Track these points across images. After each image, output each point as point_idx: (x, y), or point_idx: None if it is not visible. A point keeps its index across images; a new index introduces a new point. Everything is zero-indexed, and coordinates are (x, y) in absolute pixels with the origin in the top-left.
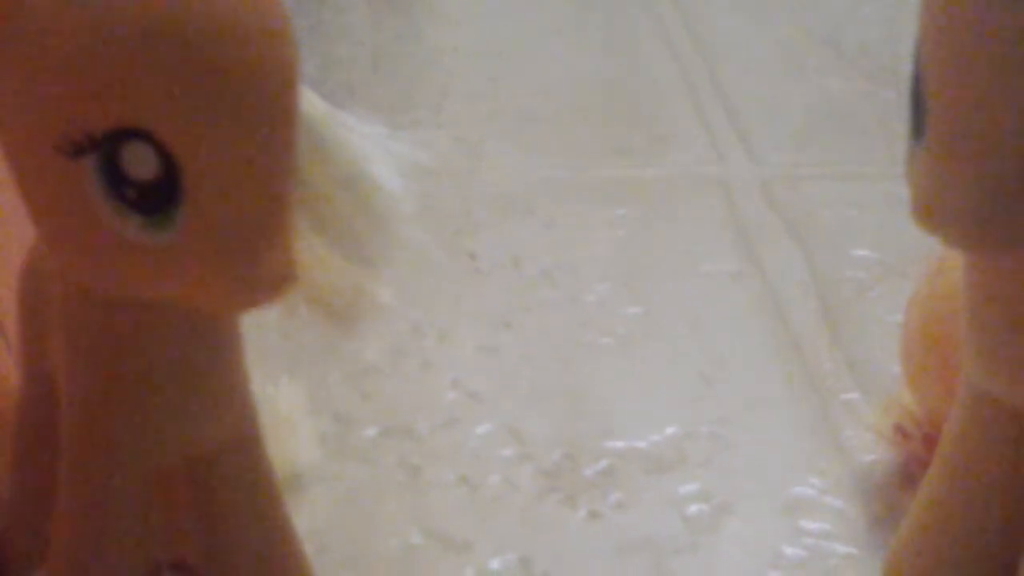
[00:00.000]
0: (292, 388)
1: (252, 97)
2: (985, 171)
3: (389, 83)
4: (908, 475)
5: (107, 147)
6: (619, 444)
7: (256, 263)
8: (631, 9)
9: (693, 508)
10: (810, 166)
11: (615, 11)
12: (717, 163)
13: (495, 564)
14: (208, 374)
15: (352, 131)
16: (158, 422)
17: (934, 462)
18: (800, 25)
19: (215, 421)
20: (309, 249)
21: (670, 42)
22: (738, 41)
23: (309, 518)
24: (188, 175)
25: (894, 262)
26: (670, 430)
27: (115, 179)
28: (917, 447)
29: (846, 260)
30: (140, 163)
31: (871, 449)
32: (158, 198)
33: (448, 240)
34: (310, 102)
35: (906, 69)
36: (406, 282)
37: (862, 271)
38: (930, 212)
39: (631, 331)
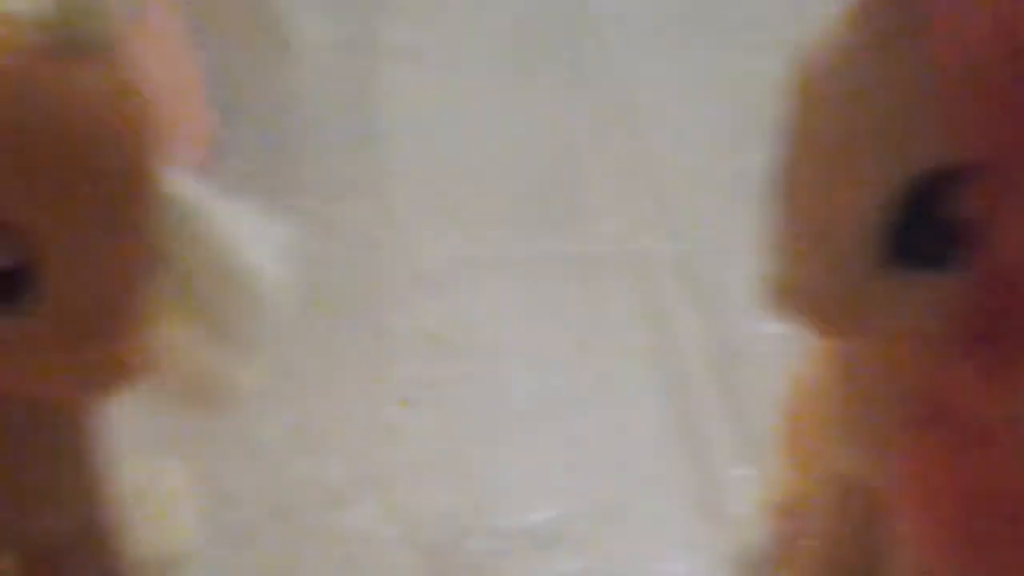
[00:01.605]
0: (175, 469)
1: (103, 187)
2: (825, 254)
3: (320, 159)
4: (787, 554)
5: None
6: (505, 523)
7: (105, 349)
8: (561, 80)
9: None
10: (728, 240)
11: (546, 82)
12: (635, 238)
13: None
14: (48, 467)
15: (226, 215)
16: None
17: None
18: (731, 100)
19: (58, 514)
20: (175, 330)
21: (598, 115)
22: (667, 114)
23: None
24: (42, 262)
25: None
26: (556, 509)
27: None
28: (795, 526)
29: (755, 335)
30: None
31: (757, 526)
32: (11, 286)
33: (359, 314)
34: (182, 186)
35: None
36: (311, 357)
37: (769, 346)
38: (783, 296)
39: (532, 408)
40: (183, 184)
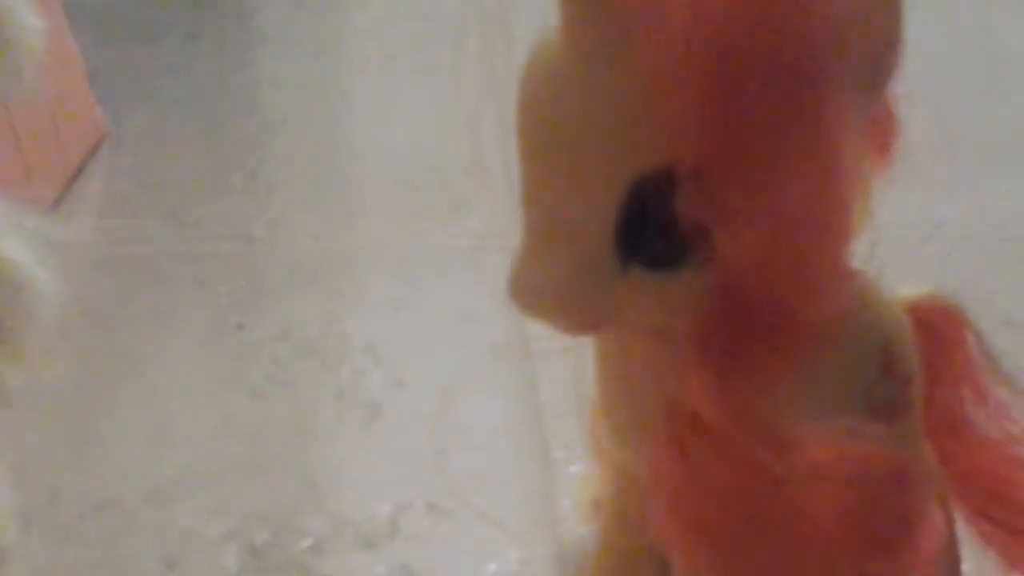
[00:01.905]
0: None
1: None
2: (562, 254)
3: (214, 151)
4: (600, 547)
5: None
6: (335, 520)
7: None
8: (469, 74)
9: None
10: None
11: (452, 77)
12: (509, 231)
13: None
14: None
15: None
16: None
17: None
18: None
19: None
20: None
21: (500, 112)
22: None
23: None
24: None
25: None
26: (389, 505)
27: None
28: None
29: None
30: None
31: (582, 521)
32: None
33: (221, 309)
34: None
35: None
36: (156, 348)
37: None
38: (519, 291)
39: (383, 404)
40: None
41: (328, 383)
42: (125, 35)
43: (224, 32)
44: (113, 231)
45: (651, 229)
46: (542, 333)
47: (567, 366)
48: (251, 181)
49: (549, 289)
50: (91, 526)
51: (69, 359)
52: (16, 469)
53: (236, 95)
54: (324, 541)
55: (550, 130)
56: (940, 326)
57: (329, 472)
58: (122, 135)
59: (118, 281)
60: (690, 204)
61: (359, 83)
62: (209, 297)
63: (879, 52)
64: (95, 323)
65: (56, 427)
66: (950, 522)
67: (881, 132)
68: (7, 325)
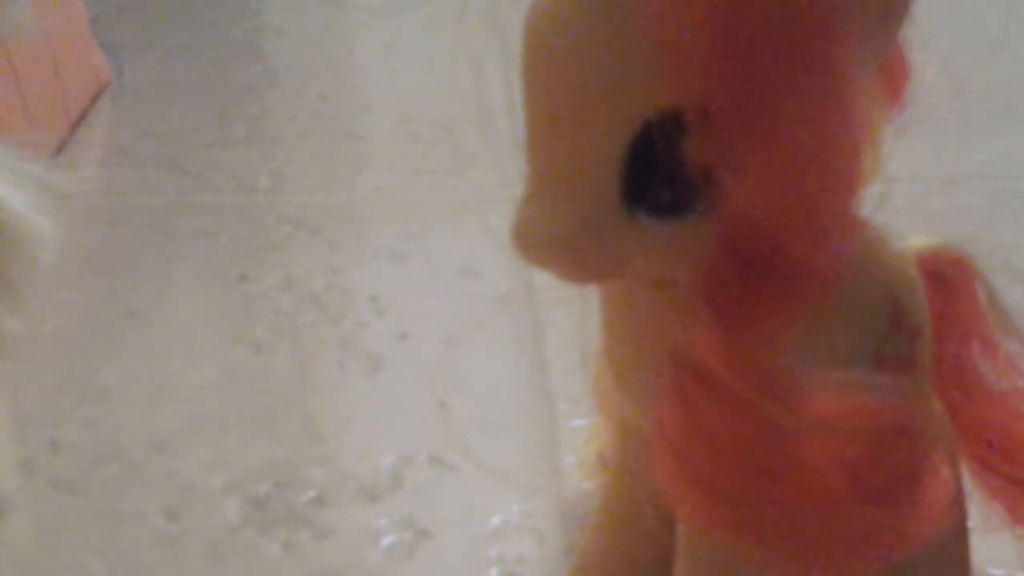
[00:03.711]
0: None
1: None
2: (568, 202)
3: (217, 100)
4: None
5: None
6: (336, 471)
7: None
8: (475, 24)
9: (393, 537)
10: None
11: (457, 28)
12: (514, 182)
13: None
14: None
15: None
16: None
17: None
18: None
19: None
20: None
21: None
22: None
23: (7, 547)
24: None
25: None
26: (391, 457)
27: None
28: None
29: None
30: None
31: (585, 476)
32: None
33: (224, 262)
34: None
35: None
36: (158, 299)
37: None
38: (524, 241)
39: (384, 355)
40: None
41: (331, 335)
42: None
43: None
44: (114, 181)
45: (658, 176)
46: (547, 284)
47: (572, 319)
48: (254, 131)
49: (554, 238)
50: (92, 478)
51: (69, 309)
52: (17, 420)
53: (240, 44)
54: (326, 493)
55: (554, 74)
56: (950, 277)
57: (332, 424)
58: (124, 83)
59: (119, 231)
60: (697, 149)
61: (364, 33)
62: (211, 248)
63: None
64: (96, 273)
65: (57, 378)
66: (957, 476)
67: (893, 79)
68: (6, 274)
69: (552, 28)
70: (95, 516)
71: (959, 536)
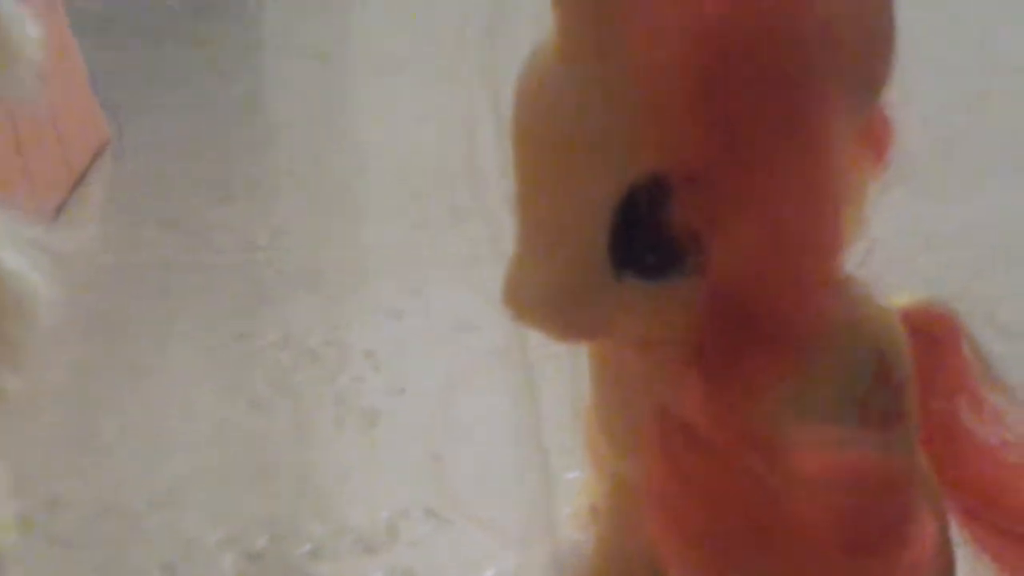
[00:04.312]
0: None
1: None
2: (556, 262)
3: (216, 159)
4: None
5: None
6: (333, 525)
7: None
8: (469, 82)
9: None
10: None
11: (452, 84)
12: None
13: None
14: None
15: None
16: None
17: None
18: None
19: None
20: None
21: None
22: None
23: None
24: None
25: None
26: (388, 510)
27: None
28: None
29: None
30: None
31: (579, 528)
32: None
33: (223, 319)
34: None
35: None
36: (157, 356)
37: None
38: (513, 300)
39: (382, 410)
40: None
41: (328, 390)
42: (128, 41)
43: (227, 38)
44: (115, 239)
45: (644, 237)
46: (542, 339)
47: (566, 373)
48: (253, 188)
49: (542, 297)
50: (92, 532)
51: (70, 367)
52: (17, 476)
53: (238, 102)
54: (323, 546)
55: (543, 136)
56: (935, 333)
57: (328, 478)
58: (124, 142)
59: (119, 289)
60: (683, 211)
61: (361, 90)
62: (210, 305)
63: (873, 56)
64: (96, 331)
65: (57, 434)
66: (944, 528)
67: (876, 138)
68: (6, 332)
69: (541, 90)
70: (94, 572)
71: None
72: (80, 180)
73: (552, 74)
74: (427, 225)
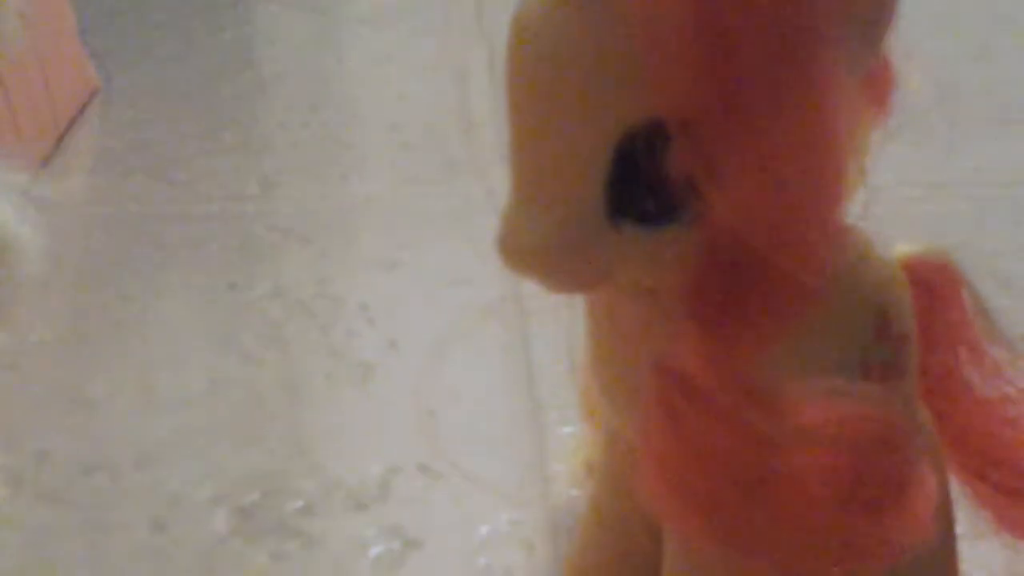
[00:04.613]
0: None
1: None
2: (552, 211)
3: (206, 109)
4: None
5: None
6: (325, 481)
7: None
8: (464, 37)
9: (382, 547)
10: None
11: (445, 36)
12: (498, 193)
13: None
14: None
15: None
16: None
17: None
18: None
19: None
20: None
21: (493, 73)
22: None
23: None
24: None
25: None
26: (380, 466)
27: None
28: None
29: None
30: None
31: (575, 483)
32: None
33: (213, 271)
34: None
35: None
36: (146, 309)
37: None
38: (508, 250)
39: (374, 364)
40: None
41: (320, 343)
42: None
43: None
44: (103, 190)
45: (641, 185)
46: (536, 292)
47: (561, 327)
48: (244, 140)
49: (538, 247)
50: (80, 488)
51: (57, 320)
52: (4, 431)
53: (229, 53)
54: (315, 503)
55: (537, 80)
56: (936, 284)
57: (320, 434)
58: (113, 91)
59: (108, 241)
60: (680, 159)
61: (354, 42)
62: (200, 257)
63: (875, 3)
64: (84, 283)
65: (45, 389)
66: (944, 483)
67: (878, 87)
68: None
69: (535, 37)
70: (82, 527)
71: (946, 544)
72: (68, 129)
73: (546, 17)
74: (421, 178)
